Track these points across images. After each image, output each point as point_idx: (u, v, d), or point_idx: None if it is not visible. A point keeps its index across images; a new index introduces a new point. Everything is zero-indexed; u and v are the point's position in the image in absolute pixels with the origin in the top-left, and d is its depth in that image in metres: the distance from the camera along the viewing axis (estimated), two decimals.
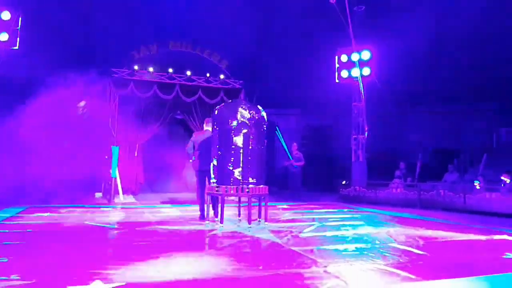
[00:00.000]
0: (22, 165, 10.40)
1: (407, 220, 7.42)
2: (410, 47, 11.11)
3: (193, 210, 8.33)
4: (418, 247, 4.72)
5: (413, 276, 3.45)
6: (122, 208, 8.85)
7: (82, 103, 11.82)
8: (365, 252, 4.42)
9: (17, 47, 9.39)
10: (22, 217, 6.82)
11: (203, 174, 6.83)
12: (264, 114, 6.39)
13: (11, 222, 6.22)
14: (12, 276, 3.22)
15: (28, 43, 9.50)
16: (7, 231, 5.42)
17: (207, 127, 7.02)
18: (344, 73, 11.97)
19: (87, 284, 3.07)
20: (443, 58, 11.19)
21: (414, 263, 3.94)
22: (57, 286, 3.10)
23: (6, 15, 9.14)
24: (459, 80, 11.41)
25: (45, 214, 7.25)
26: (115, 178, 10.36)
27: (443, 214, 8.40)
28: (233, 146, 5.98)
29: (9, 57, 9.33)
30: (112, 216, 7.63)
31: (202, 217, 6.66)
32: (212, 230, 5.82)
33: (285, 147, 10.40)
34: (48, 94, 10.42)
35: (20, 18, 9.40)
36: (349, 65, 11.86)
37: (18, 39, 9.41)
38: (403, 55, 11.23)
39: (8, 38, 9.22)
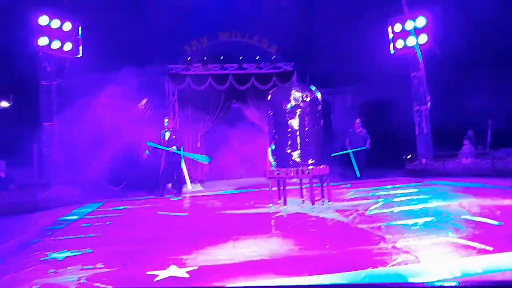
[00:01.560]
0: (95, 162, 11.22)
1: (480, 190, 7.02)
2: (470, 5, 10.28)
3: (257, 194, 8.50)
4: (494, 218, 4.47)
5: (490, 248, 3.30)
6: (190, 196, 9.24)
7: (143, 101, 12.42)
8: (436, 226, 4.28)
9: (80, 55, 10.03)
10: (102, 211, 7.37)
11: None
12: (318, 94, 6.32)
13: (92, 216, 6.76)
14: (98, 265, 3.54)
15: (88, 49, 10.10)
16: (89, 224, 5.91)
17: None
18: (399, 43, 11.41)
19: (164, 269, 3.29)
20: (507, 14, 10.20)
21: (491, 235, 3.76)
22: (138, 272, 3.36)
23: (67, 26, 9.77)
24: None
25: (121, 207, 7.78)
26: (183, 169, 10.80)
27: None
28: (289, 129, 5.99)
29: (73, 64, 9.97)
30: (182, 205, 8.02)
31: None
32: (277, 212, 5.92)
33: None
34: (112, 95, 11.08)
35: (80, 27, 10.01)
36: (404, 34, 11.27)
37: (80, 47, 10.06)
38: (462, 15, 10.42)
39: (72, 48, 9.88)
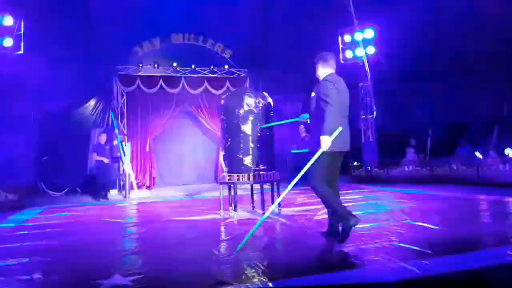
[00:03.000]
0: (34, 166, 10.63)
1: (421, 196, 7.42)
2: (414, 21, 10.88)
3: (207, 200, 8.42)
4: (433, 223, 4.72)
5: (430, 251, 3.46)
6: (137, 203, 8.97)
7: (91, 102, 11.97)
8: (380, 231, 4.44)
9: (21, 52, 9.44)
10: (41, 218, 6.95)
11: None
12: (270, 100, 6.39)
13: (30, 224, 6.36)
14: (35, 275, 3.32)
15: (31, 46, 9.55)
16: (26, 232, 5.55)
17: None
18: (349, 53, 11.85)
19: (107, 278, 3.15)
20: (447, 30, 10.93)
21: (430, 239, 3.95)
22: (79, 281, 3.19)
23: (8, 21, 9.18)
24: (464, 51, 11.18)
25: (63, 214, 7.38)
26: (129, 174, 10.48)
27: (457, 189, 8.35)
28: (241, 135, 6.00)
29: (14, 61, 9.38)
30: (128, 211, 7.75)
31: None
32: (227, 218, 5.88)
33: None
34: (57, 95, 10.58)
35: (22, 23, 9.43)
36: (353, 45, 11.73)
37: (22, 43, 9.46)
38: (407, 30, 11.00)
39: (13, 44, 9.28)
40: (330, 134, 3.78)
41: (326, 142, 3.77)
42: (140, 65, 11.90)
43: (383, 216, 5.39)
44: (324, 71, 4.16)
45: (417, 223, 4.75)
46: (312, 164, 3.91)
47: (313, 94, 4.20)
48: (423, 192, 8.11)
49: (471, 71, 11.73)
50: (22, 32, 9.43)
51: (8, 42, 9.20)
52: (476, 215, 5.39)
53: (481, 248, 3.59)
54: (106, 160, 9.66)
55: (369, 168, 11.41)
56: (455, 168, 9.51)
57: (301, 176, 4.03)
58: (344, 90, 4.08)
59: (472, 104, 11.86)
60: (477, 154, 9.76)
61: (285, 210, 6.31)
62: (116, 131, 10.07)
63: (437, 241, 3.87)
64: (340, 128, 3.84)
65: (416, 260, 3.24)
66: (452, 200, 6.78)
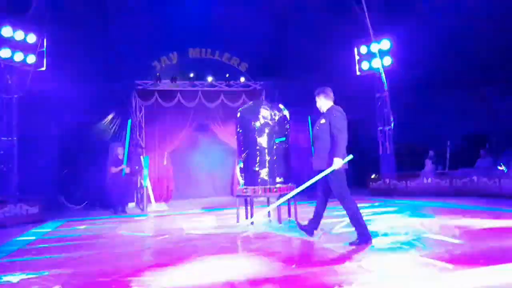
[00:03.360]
0: (55, 179, 10.84)
1: (440, 210, 7.27)
2: (431, 30, 10.78)
3: (224, 214, 8.42)
4: (453, 236, 4.62)
5: (450, 266, 3.39)
6: (155, 216, 9.03)
7: (109, 117, 12.18)
8: (400, 245, 4.36)
9: (44, 68, 9.71)
10: (61, 231, 7.07)
11: None
12: (286, 112, 6.40)
13: (51, 237, 6.47)
14: (55, 287, 3.36)
15: (52, 62, 9.82)
16: (47, 245, 5.64)
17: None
18: (365, 65, 11.80)
19: None
20: (466, 39, 10.77)
21: (451, 253, 3.87)
22: None
23: (31, 38, 9.48)
24: (484, 60, 11.01)
25: (82, 227, 7.48)
26: (147, 187, 10.58)
27: (478, 201, 8.17)
28: (257, 147, 6.02)
29: (37, 77, 9.63)
30: (146, 224, 7.81)
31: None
32: (244, 232, 5.87)
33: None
34: (76, 110, 10.80)
35: (45, 40, 9.72)
36: (369, 56, 11.68)
37: (44, 60, 9.75)
38: (425, 39, 10.91)
39: (35, 60, 9.56)
40: (343, 157, 4.52)
41: (339, 163, 4.50)
42: (158, 78, 12.10)
43: (402, 229, 5.29)
44: (327, 103, 4.95)
45: (437, 237, 4.66)
46: (335, 187, 4.65)
47: (323, 121, 4.84)
48: (443, 205, 7.95)
49: (491, 81, 11.53)
50: (44, 49, 9.72)
51: (31, 59, 9.48)
52: (498, 229, 5.25)
53: (505, 262, 3.49)
54: (127, 169, 9.68)
55: (387, 180, 11.25)
56: (475, 180, 9.30)
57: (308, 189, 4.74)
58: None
59: (493, 115, 11.63)
60: (502, 167, 9.51)
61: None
62: (120, 150, 10.14)
63: (459, 255, 3.78)
64: (351, 156, 4.61)
65: (438, 274, 3.17)
66: (474, 212, 6.62)
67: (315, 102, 5.15)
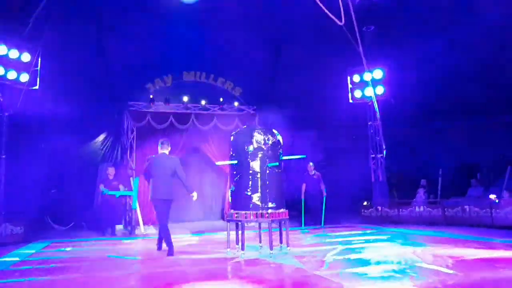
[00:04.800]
0: (42, 199, 10.62)
1: (432, 239, 7.21)
2: (423, 62, 11.01)
3: (214, 238, 8.28)
4: (446, 266, 4.57)
5: None
6: (143, 239, 8.84)
7: (101, 137, 12.09)
8: (392, 274, 4.30)
9: (37, 87, 9.67)
10: (46, 253, 6.87)
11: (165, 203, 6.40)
12: (279, 137, 6.40)
13: (35, 258, 6.27)
14: None
15: (46, 82, 9.79)
16: (31, 267, 5.46)
17: (163, 150, 6.66)
18: (358, 93, 11.95)
19: None
20: (459, 71, 11.00)
21: (444, 283, 3.81)
22: None
23: (26, 57, 9.47)
24: (475, 91, 11.22)
25: (68, 249, 7.29)
26: (136, 210, 10.40)
27: (470, 231, 8.15)
28: (250, 171, 5.97)
29: (27, 95, 9.57)
30: (134, 247, 7.63)
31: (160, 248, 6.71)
32: (234, 257, 5.75)
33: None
34: (66, 129, 10.71)
35: (39, 59, 9.72)
36: (362, 84, 11.84)
37: (38, 79, 9.72)
38: (417, 70, 11.12)
39: (29, 79, 9.51)
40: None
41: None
42: (151, 100, 12.11)
43: (395, 258, 5.23)
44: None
45: (430, 266, 4.60)
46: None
47: None
48: (435, 233, 7.91)
49: (482, 112, 11.72)
50: (38, 68, 9.71)
51: (24, 77, 9.44)
52: (491, 259, 5.21)
53: None
54: (122, 188, 9.67)
55: (379, 208, 11.21)
56: (467, 209, 9.30)
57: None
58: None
59: (484, 145, 11.76)
60: (492, 196, 9.56)
61: (294, 250, 6.17)
62: (111, 170, 10.12)
63: (453, 285, 3.72)
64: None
65: None
66: (466, 242, 6.58)
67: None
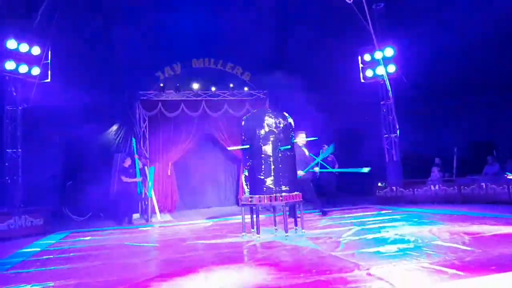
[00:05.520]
0: (59, 191, 10.82)
1: (449, 217, 7.16)
2: (435, 38, 10.74)
3: (229, 223, 8.34)
4: (463, 243, 4.54)
5: (461, 273, 3.31)
6: (160, 226, 8.97)
7: (114, 127, 12.20)
8: (408, 252, 4.28)
9: (48, 80, 9.77)
10: (65, 243, 7.02)
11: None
12: (291, 120, 6.36)
13: (55, 248, 6.42)
14: None
15: (57, 74, 9.87)
16: (51, 256, 5.59)
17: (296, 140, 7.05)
18: (369, 72, 11.77)
19: None
20: (472, 46, 10.70)
21: (461, 260, 3.78)
22: None
23: (36, 51, 9.54)
24: (490, 68, 10.95)
25: (86, 238, 7.44)
26: (151, 198, 10.53)
27: (487, 208, 8.05)
28: (262, 155, 5.96)
29: (41, 89, 9.67)
30: (151, 235, 7.75)
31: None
32: (250, 241, 5.79)
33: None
34: (81, 121, 10.83)
35: (50, 52, 9.79)
36: (373, 63, 11.65)
37: (49, 72, 9.81)
38: (429, 47, 10.86)
39: (40, 72, 9.61)
40: None
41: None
42: (162, 88, 12.15)
43: (411, 237, 5.21)
44: None
45: (447, 244, 4.57)
46: None
47: None
48: (451, 212, 7.84)
49: (497, 87, 11.44)
50: (49, 61, 9.78)
51: (35, 71, 9.53)
52: (509, 235, 5.15)
53: None
54: (139, 179, 9.80)
55: (394, 188, 11.13)
56: (484, 186, 9.18)
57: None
58: None
59: (500, 122, 11.52)
60: (509, 175, 9.39)
61: (309, 232, 6.19)
62: (136, 156, 10.18)
63: (470, 262, 3.70)
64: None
65: (448, 282, 3.09)
66: (483, 219, 6.51)
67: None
